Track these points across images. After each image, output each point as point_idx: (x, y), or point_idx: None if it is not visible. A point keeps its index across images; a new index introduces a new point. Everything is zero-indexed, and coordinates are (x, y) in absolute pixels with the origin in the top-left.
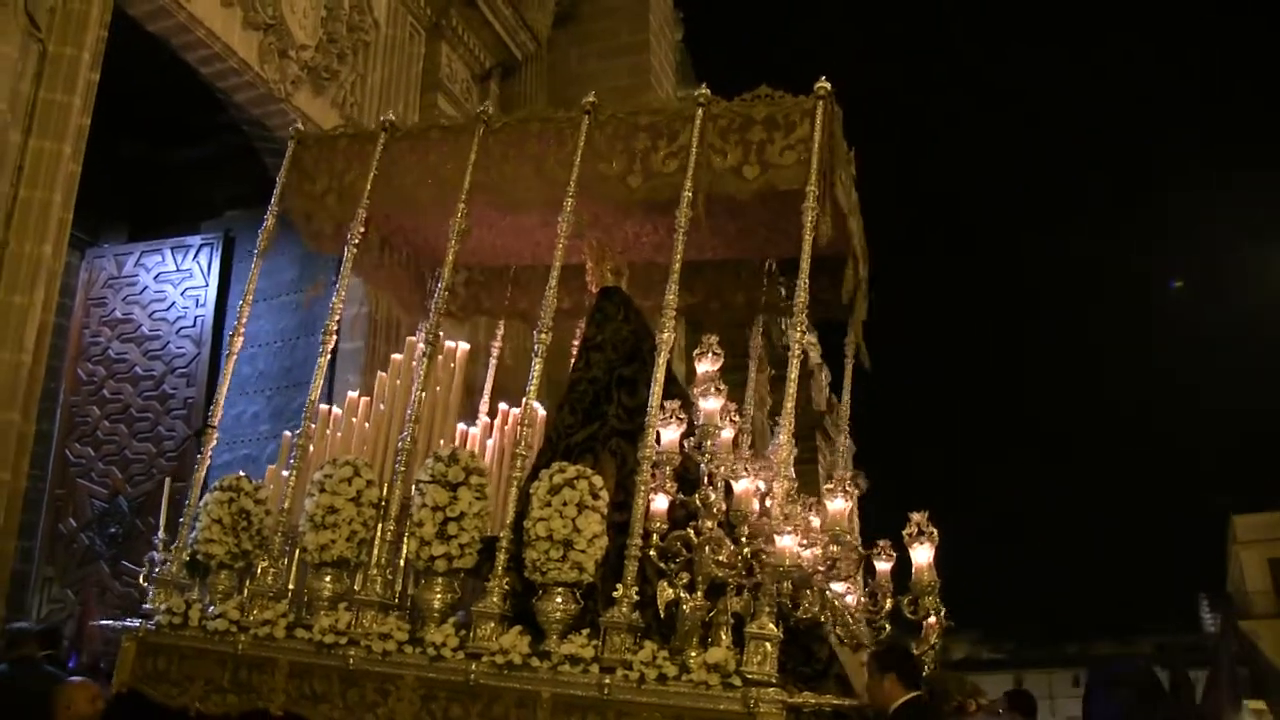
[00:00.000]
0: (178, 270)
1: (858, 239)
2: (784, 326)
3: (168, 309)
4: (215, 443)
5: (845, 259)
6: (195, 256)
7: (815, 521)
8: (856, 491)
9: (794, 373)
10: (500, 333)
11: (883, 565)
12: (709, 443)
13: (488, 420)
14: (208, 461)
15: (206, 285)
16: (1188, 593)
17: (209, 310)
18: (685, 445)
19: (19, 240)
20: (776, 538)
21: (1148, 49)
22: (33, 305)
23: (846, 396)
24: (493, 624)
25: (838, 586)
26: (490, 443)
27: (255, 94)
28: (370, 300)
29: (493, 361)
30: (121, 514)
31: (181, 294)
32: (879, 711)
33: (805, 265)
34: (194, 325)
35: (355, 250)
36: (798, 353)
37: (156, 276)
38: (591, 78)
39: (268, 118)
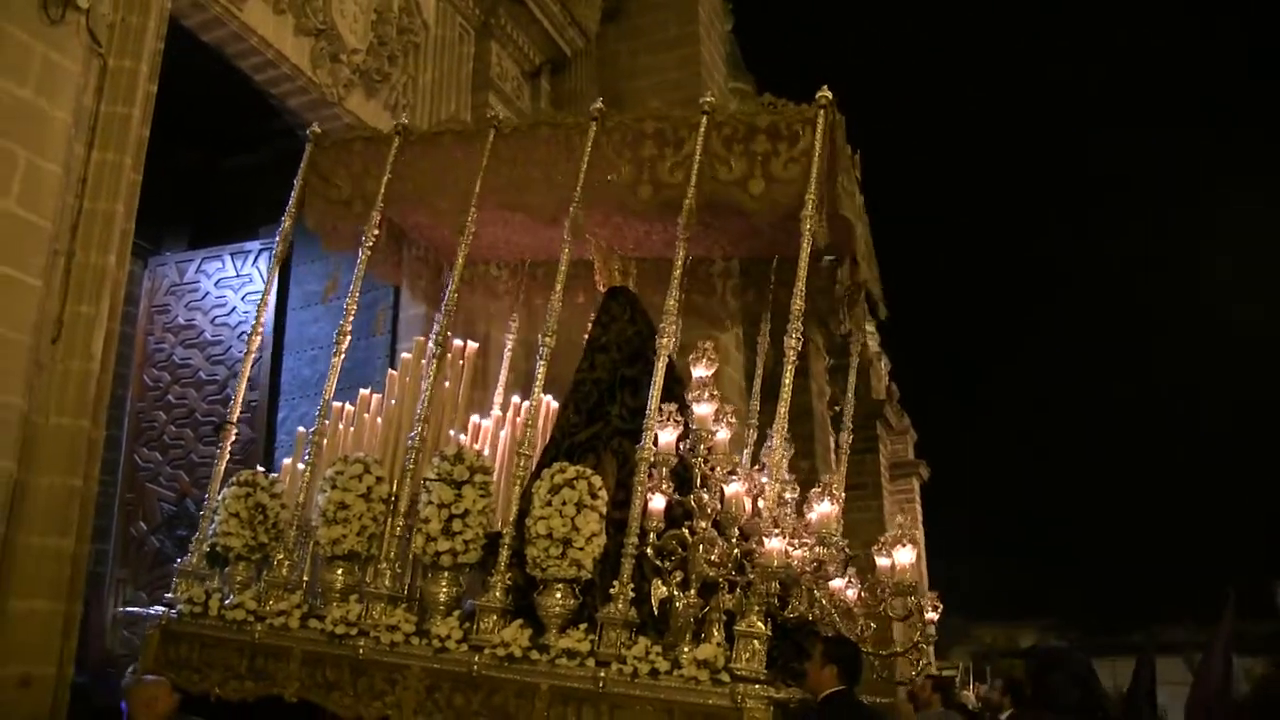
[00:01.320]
0: (237, 276)
1: (863, 243)
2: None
3: (229, 314)
4: (235, 438)
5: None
6: (254, 262)
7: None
8: (842, 495)
9: (788, 377)
10: (515, 325)
11: (883, 561)
12: (701, 446)
13: (500, 414)
14: (227, 456)
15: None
16: (1264, 578)
17: (270, 314)
18: (682, 447)
19: (84, 251)
20: (765, 539)
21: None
22: (99, 314)
23: (850, 395)
24: (495, 617)
25: (838, 582)
26: (504, 433)
27: (308, 99)
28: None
29: (506, 354)
30: (190, 516)
31: (242, 299)
32: (814, 696)
33: (802, 273)
34: None
35: (369, 251)
36: (792, 358)
37: (217, 282)
38: (642, 72)
39: (322, 122)
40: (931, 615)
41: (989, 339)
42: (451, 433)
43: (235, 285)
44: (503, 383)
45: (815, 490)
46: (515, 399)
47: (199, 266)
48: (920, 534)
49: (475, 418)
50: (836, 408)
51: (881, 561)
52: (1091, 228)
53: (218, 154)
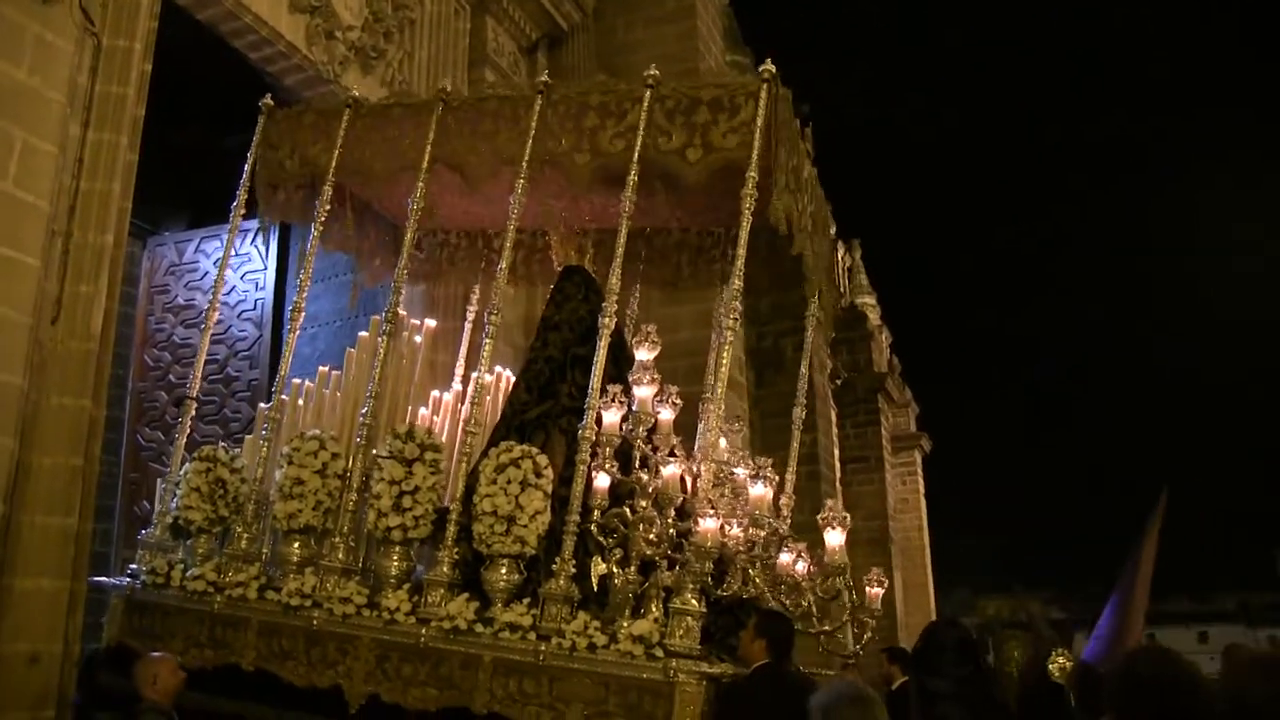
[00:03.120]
0: (236, 255)
1: (809, 215)
2: (842, 290)
3: (228, 293)
4: (194, 412)
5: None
6: (253, 240)
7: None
8: (776, 478)
9: (725, 356)
10: (475, 297)
11: (835, 538)
12: (641, 427)
13: (460, 389)
14: (188, 430)
15: (265, 268)
16: (1267, 549)
17: (268, 293)
18: (624, 427)
19: (82, 231)
20: (699, 519)
21: None
22: (98, 294)
23: (804, 369)
24: (442, 591)
25: (786, 557)
26: (464, 408)
27: (304, 76)
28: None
29: (467, 327)
30: None
31: (241, 278)
32: (745, 668)
33: (742, 245)
34: (254, 308)
35: (321, 228)
36: (730, 334)
37: (216, 262)
38: (639, 45)
39: (318, 100)
40: (876, 590)
41: (994, 311)
42: (423, 410)
43: (234, 264)
44: (463, 357)
45: (749, 473)
46: (474, 374)
47: (198, 246)
48: (923, 505)
49: (435, 392)
50: (838, 380)
51: (832, 539)
52: (1095, 203)
53: (216, 133)
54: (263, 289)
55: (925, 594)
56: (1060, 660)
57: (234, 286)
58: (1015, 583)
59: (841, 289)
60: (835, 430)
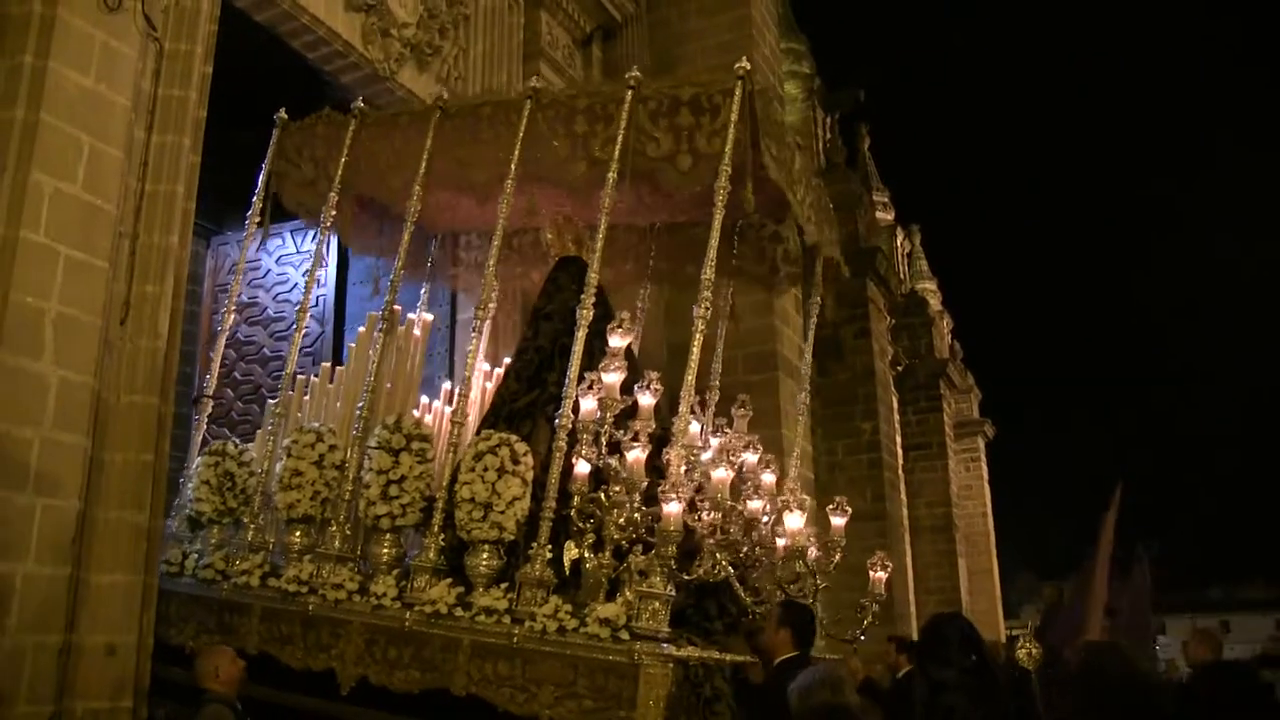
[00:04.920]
0: (298, 252)
1: (807, 206)
2: (901, 276)
3: (290, 290)
4: (210, 409)
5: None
6: (314, 238)
7: (770, 479)
8: (739, 461)
9: (696, 347)
10: (495, 294)
11: (837, 520)
12: (608, 414)
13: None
14: (204, 427)
15: (326, 265)
16: None
17: (329, 290)
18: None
19: (148, 232)
20: (663, 504)
21: None
22: (164, 294)
23: (808, 356)
24: (427, 576)
25: (782, 540)
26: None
27: (361, 75)
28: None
29: (474, 322)
30: None
31: (303, 275)
32: (768, 660)
33: (714, 237)
34: (316, 305)
35: (326, 230)
36: (700, 326)
37: (278, 260)
38: (693, 35)
39: (375, 97)
40: (880, 575)
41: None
42: (424, 400)
43: (296, 262)
44: (482, 350)
45: (710, 458)
46: (486, 366)
47: (260, 244)
48: (986, 492)
49: (447, 384)
50: (899, 367)
51: (835, 521)
52: (1162, 185)
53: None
54: (324, 285)
55: (990, 580)
56: (1028, 646)
57: (296, 284)
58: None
59: (901, 275)
60: (897, 417)
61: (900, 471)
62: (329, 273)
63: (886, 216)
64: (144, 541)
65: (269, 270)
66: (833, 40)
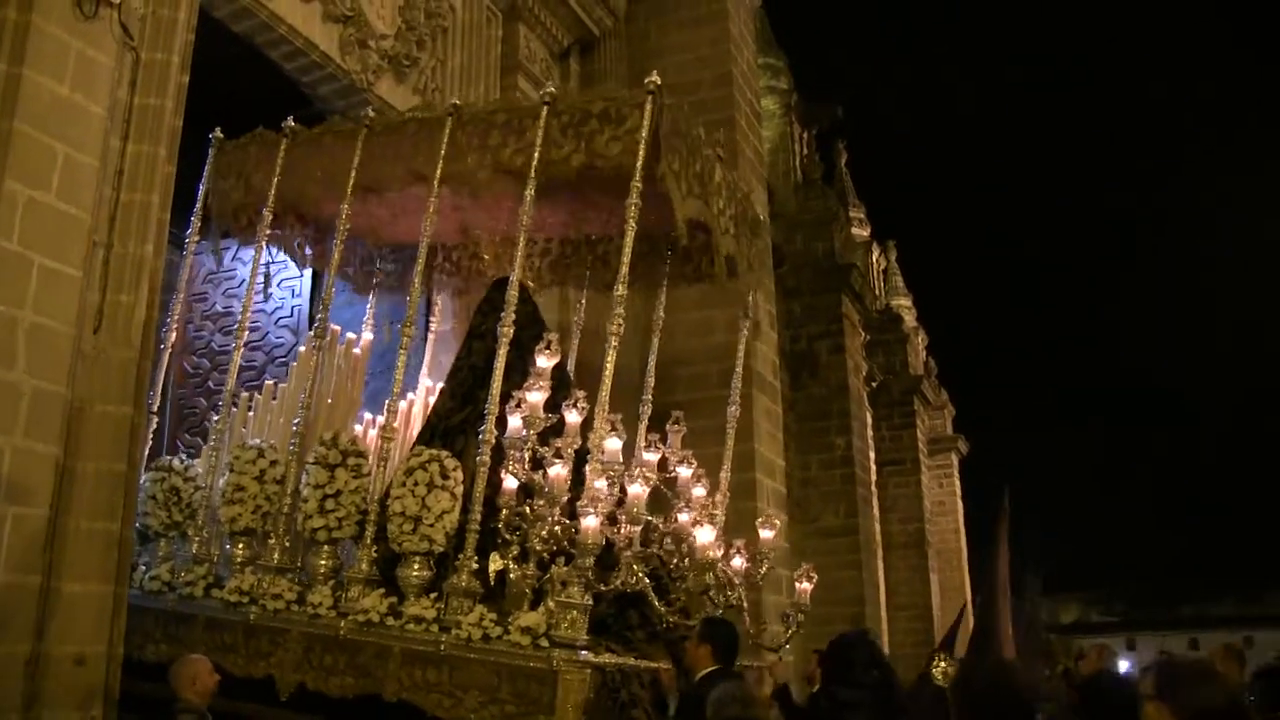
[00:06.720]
0: (274, 262)
1: (728, 217)
2: (876, 292)
3: (265, 300)
4: (155, 425)
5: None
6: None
7: (700, 494)
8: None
9: (610, 361)
10: (438, 308)
11: (766, 534)
12: (532, 432)
13: (412, 397)
14: (148, 443)
15: (301, 275)
16: None
17: (304, 300)
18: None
19: (122, 241)
20: (581, 518)
21: None
22: (137, 303)
23: (739, 368)
24: (360, 586)
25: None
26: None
27: (338, 86)
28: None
29: (430, 338)
30: None
31: (278, 285)
32: (689, 673)
33: (627, 250)
34: (291, 315)
35: (261, 246)
36: (615, 335)
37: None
38: (671, 49)
39: (352, 109)
40: (805, 586)
41: (1035, 312)
42: (368, 416)
43: (272, 272)
44: (426, 365)
45: (628, 474)
46: (429, 383)
47: (235, 254)
48: (959, 508)
49: (404, 402)
50: (873, 383)
51: (764, 534)
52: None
53: None
54: (299, 295)
55: (963, 596)
56: (943, 664)
57: (270, 294)
58: (1056, 585)
59: (877, 291)
60: (870, 433)
61: (874, 487)
62: (303, 283)
63: (862, 232)
64: (115, 551)
65: (244, 280)
66: (811, 56)
